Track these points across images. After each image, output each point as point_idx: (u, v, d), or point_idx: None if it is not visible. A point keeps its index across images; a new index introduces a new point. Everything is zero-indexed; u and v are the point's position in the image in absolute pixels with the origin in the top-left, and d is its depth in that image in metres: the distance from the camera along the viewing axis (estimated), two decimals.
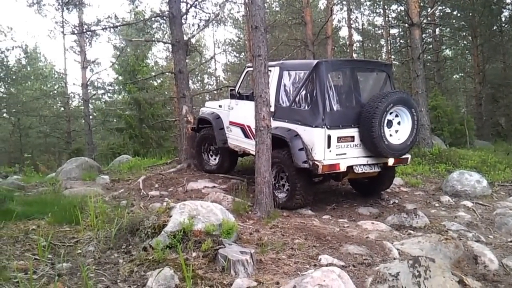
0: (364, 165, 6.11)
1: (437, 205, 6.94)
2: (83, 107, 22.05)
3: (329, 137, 5.83)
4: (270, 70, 6.77)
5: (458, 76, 29.60)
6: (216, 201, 5.58)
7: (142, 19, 14.58)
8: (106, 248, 4.00)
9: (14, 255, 3.79)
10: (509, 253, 4.51)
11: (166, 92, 23.96)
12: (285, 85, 6.58)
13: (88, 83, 21.43)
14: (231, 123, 7.68)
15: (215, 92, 28.38)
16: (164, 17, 11.91)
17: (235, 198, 6.01)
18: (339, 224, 5.63)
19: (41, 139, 27.15)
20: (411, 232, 5.42)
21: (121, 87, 24.10)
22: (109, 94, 28.86)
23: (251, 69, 7.66)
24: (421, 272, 3.42)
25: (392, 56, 27.47)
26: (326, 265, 3.67)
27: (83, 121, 22.15)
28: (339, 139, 5.94)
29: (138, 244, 3.98)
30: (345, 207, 6.69)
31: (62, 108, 28.27)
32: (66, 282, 3.31)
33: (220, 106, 8.29)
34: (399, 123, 6.20)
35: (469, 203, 6.85)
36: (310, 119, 5.98)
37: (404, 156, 6.40)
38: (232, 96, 7.72)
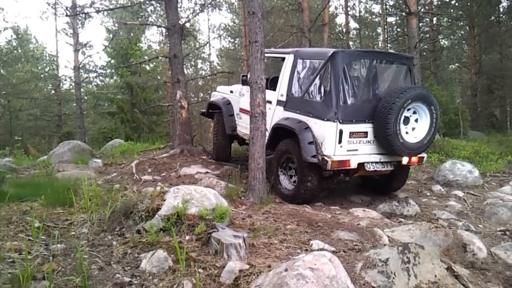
0: (376, 162, 5.84)
1: (428, 194, 7.02)
2: (74, 90, 21.81)
3: (340, 131, 5.55)
4: (284, 58, 6.62)
5: (454, 66, 29.63)
6: (209, 187, 5.59)
7: (137, 2, 14.38)
8: (100, 231, 4.02)
9: (8, 235, 3.79)
10: (498, 242, 4.59)
11: (159, 77, 23.82)
12: (298, 74, 6.30)
13: (80, 66, 21.19)
14: (241, 110, 7.46)
15: (208, 77, 28.23)
16: (159, 1, 11.76)
17: (228, 184, 6.03)
18: (331, 211, 5.69)
19: (31, 122, 26.90)
20: (402, 220, 5.49)
21: (113, 70, 23.89)
22: (101, 78, 28.63)
23: (266, 55, 7.55)
24: (410, 259, 3.48)
25: (389, 45, 27.44)
26: (318, 250, 3.71)
27: (75, 104, 21.92)
28: (351, 134, 5.65)
29: (132, 227, 4.01)
30: (337, 194, 6.75)
31: (53, 91, 27.94)
32: (60, 263, 3.33)
33: (231, 92, 8.10)
34: (416, 120, 5.89)
35: (460, 193, 6.93)
36: (322, 112, 5.69)
37: (419, 156, 6.10)
38: (244, 82, 7.33)
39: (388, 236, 4.43)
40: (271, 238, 4.08)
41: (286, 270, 2.93)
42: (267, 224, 4.53)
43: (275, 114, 6.49)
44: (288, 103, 6.32)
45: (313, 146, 5.65)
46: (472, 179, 7.44)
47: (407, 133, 5.79)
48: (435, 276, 3.48)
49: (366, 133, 5.75)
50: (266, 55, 7.50)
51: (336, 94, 5.59)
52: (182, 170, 7.40)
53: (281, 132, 6.19)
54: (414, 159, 6.03)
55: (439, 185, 7.34)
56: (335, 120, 5.55)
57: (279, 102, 6.49)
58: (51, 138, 24.89)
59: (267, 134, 6.45)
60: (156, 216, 3.99)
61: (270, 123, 6.48)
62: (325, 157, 5.54)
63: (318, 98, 5.88)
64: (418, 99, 5.72)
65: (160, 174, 7.23)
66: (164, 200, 4.21)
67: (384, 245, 4.12)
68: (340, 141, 5.58)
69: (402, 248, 3.54)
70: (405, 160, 5.96)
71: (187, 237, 3.76)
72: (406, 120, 5.80)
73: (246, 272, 3.20)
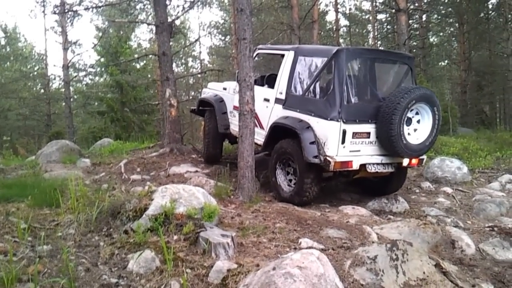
0: (378, 164, 5.68)
1: (417, 191, 7.05)
2: (63, 89, 21.69)
3: (344, 132, 5.39)
4: (284, 54, 6.46)
5: (443, 63, 29.79)
6: (198, 185, 5.55)
7: None
8: (87, 231, 3.97)
9: None
10: (486, 238, 4.62)
11: (149, 75, 23.70)
12: (299, 72, 6.10)
13: (69, 64, 21.00)
14: (236, 108, 7.14)
15: (199, 75, 28.13)
16: None
17: (217, 183, 6.00)
18: (320, 208, 5.68)
19: (20, 121, 26.65)
20: (391, 217, 5.52)
21: (103, 69, 23.70)
22: (90, 76, 28.39)
23: (262, 51, 7.33)
24: (399, 256, 3.50)
25: (379, 42, 27.53)
26: (306, 248, 3.71)
27: (64, 103, 21.74)
28: (354, 134, 5.49)
29: (119, 227, 3.96)
30: (327, 192, 6.74)
31: (42, 90, 27.72)
32: (46, 264, 3.28)
33: (224, 89, 7.88)
34: (418, 121, 5.75)
35: (449, 189, 6.96)
36: (325, 111, 5.50)
37: (419, 157, 5.95)
38: None
39: (377, 234, 4.43)
40: (260, 237, 4.07)
41: (274, 269, 2.91)
42: (256, 222, 4.52)
43: (273, 113, 6.33)
44: (287, 101, 6.14)
45: (315, 146, 5.48)
46: (461, 175, 7.48)
47: (409, 134, 5.66)
48: (424, 273, 3.50)
49: (368, 133, 5.62)
50: (265, 51, 7.42)
51: (340, 93, 5.42)
52: (171, 169, 7.36)
53: (280, 131, 6.05)
54: (414, 160, 5.90)
55: (428, 182, 7.37)
56: (339, 120, 5.39)
57: (277, 100, 6.31)
58: (41, 138, 24.67)
59: (265, 133, 6.37)
60: (144, 216, 3.95)
61: (268, 121, 6.36)
62: (327, 158, 5.39)
63: (320, 97, 5.73)
64: (422, 100, 5.58)
65: (149, 174, 7.19)
66: (152, 200, 4.17)
67: (373, 242, 4.12)
68: (343, 142, 5.43)
69: (390, 245, 3.55)
70: (405, 162, 5.79)
71: (175, 237, 3.73)
72: (409, 121, 5.67)
73: (234, 272, 3.18)
